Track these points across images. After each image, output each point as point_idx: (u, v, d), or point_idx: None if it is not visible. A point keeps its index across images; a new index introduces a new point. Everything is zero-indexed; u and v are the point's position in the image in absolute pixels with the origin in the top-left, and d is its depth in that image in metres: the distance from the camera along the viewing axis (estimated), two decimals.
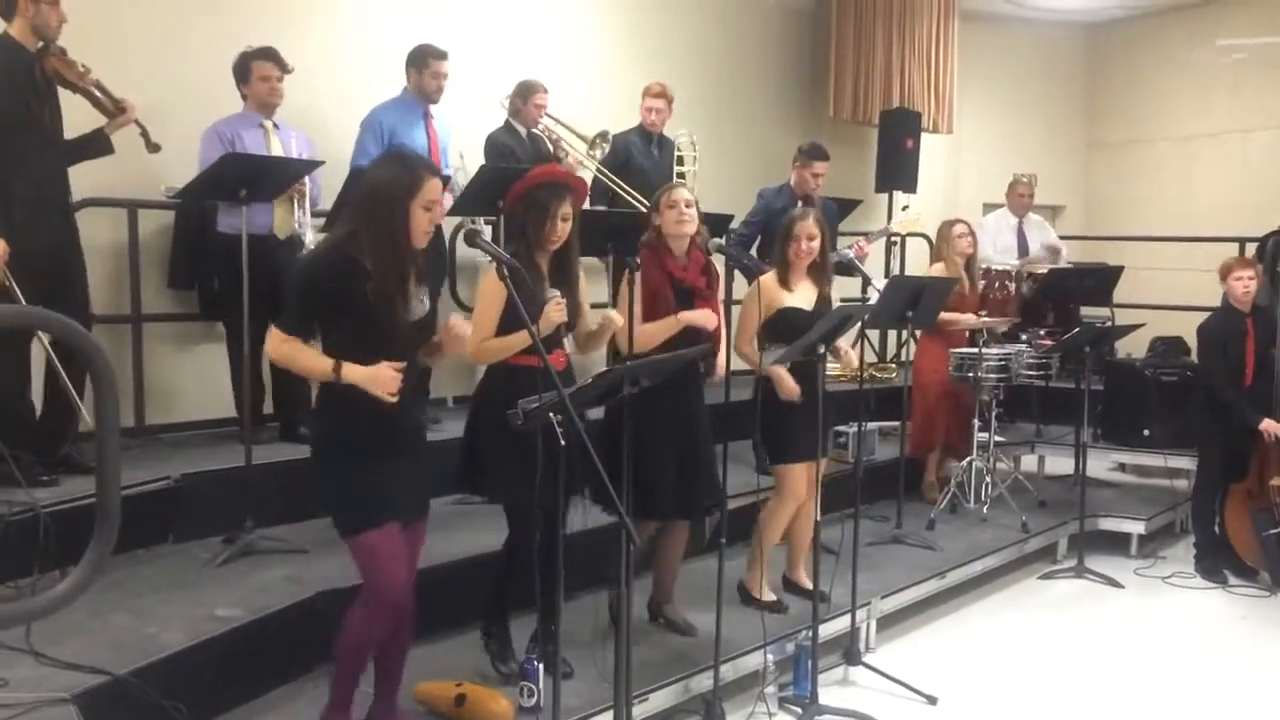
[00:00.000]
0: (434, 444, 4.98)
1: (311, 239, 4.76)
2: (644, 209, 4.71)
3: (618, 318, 3.70)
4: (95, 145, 4.40)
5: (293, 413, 5.08)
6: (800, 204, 5.87)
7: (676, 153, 6.59)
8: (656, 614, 4.40)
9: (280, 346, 3.03)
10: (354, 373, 2.95)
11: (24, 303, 3.82)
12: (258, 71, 4.94)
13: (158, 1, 5.25)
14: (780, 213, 5.26)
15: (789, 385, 4.35)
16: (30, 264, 4.03)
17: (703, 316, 4.04)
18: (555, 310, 3.46)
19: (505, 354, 3.53)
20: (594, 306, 3.92)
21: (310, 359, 3.03)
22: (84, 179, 4.52)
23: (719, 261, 4.32)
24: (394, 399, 2.99)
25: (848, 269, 5.32)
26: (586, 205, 6.02)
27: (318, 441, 3.19)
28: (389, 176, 3.02)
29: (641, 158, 6.32)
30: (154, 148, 4.47)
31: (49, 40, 4.17)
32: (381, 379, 2.97)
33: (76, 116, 4.37)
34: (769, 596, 4.66)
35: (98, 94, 4.31)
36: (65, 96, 4.29)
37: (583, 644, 3.97)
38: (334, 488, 3.09)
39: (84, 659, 3.16)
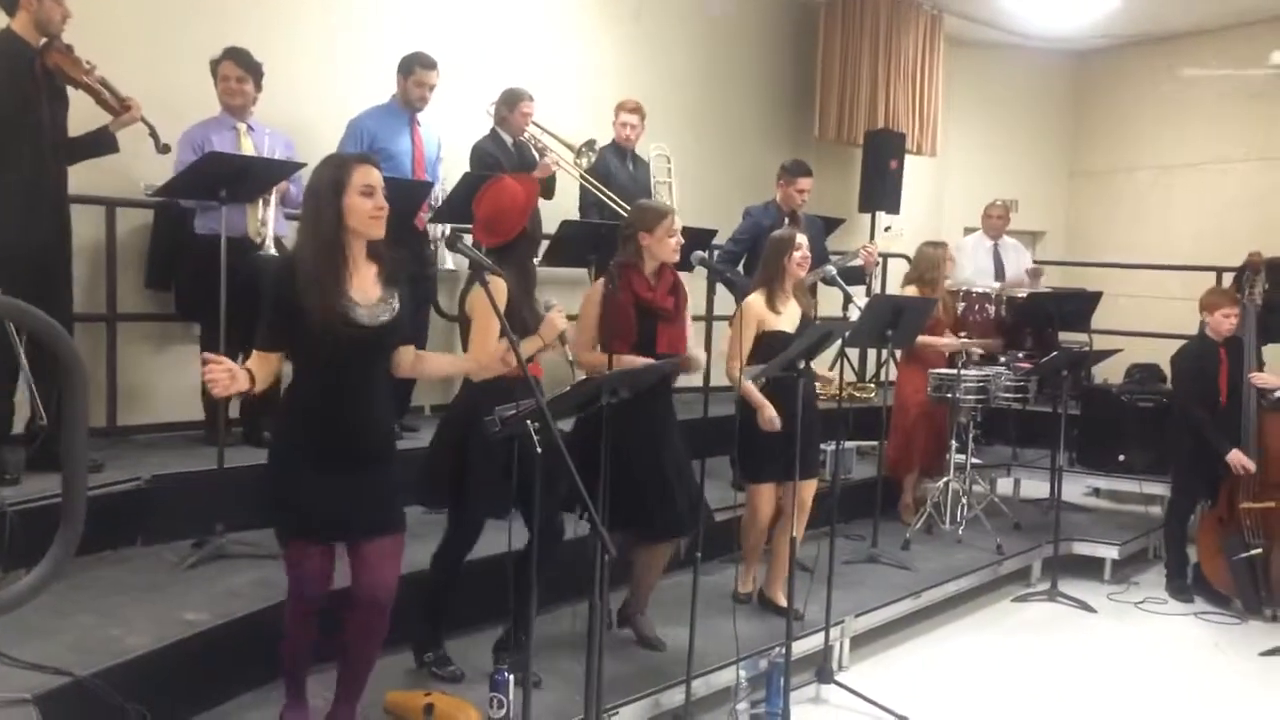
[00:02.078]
0: (410, 452, 4.97)
1: (272, 240, 4.66)
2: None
3: (560, 320, 3.54)
4: (100, 143, 4.36)
5: (259, 417, 5.02)
6: (787, 220, 5.88)
7: (653, 169, 6.57)
8: (625, 623, 4.34)
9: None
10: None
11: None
12: (220, 72, 4.89)
13: (147, 5, 5.21)
14: (770, 230, 5.26)
15: (769, 415, 4.33)
16: (16, 260, 3.98)
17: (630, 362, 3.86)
18: (559, 316, 3.47)
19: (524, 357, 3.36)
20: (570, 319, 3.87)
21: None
22: None
23: (686, 277, 4.28)
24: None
25: (836, 283, 5.31)
26: (574, 216, 6.10)
27: (271, 445, 3.24)
28: (317, 178, 3.03)
29: (620, 174, 6.31)
30: (164, 149, 4.45)
31: (52, 35, 4.13)
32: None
33: (84, 115, 4.32)
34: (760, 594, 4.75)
35: (103, 91, 4.26)
36: (75, 95, 4.24)
37: (552, 656, 3.95)
38: (271, 491, 3.14)
39: (47, 659, 3.10)
